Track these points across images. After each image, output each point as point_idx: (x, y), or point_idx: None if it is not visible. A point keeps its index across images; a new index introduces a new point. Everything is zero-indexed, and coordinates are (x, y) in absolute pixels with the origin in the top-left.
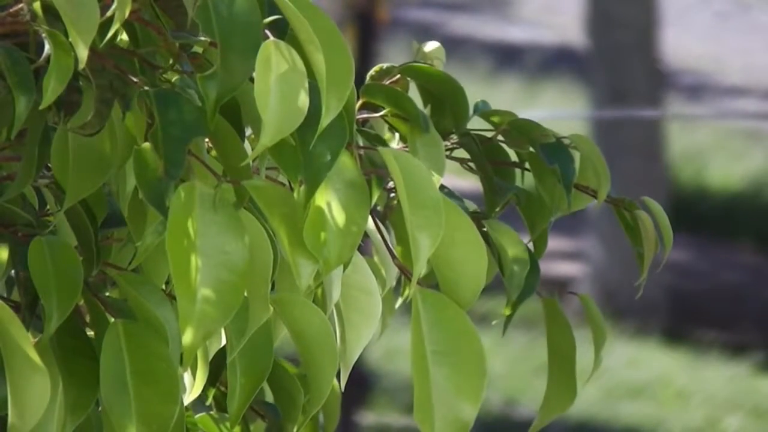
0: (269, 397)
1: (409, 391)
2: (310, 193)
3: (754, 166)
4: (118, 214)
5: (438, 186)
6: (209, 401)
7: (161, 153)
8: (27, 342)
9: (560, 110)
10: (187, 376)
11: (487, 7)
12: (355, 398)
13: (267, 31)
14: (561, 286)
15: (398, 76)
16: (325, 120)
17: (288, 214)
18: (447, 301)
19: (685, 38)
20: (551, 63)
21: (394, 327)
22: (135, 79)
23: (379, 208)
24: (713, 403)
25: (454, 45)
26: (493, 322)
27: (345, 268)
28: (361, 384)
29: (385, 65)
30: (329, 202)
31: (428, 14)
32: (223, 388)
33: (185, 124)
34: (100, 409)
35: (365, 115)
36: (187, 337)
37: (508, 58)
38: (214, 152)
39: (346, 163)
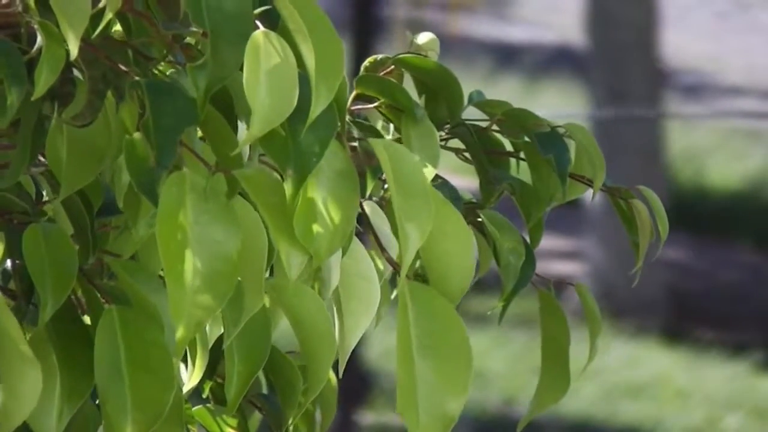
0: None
1: None
2: (300, 183)
3: (754, 165)
4: (114, 202)
5: (432, 176)
6: (206, 394)
7: (153, 143)
8: (18, 332)
9: (560, 110)
10: (183, 368)
11: (486, 6)
12: (354, 398)
13: (258, 22)
14: (560, 286)
15: (392, 67)
16: (315, 110)
17: (278, 204)
18: (434, 294)
19: (685, 38)
20: (551, 63)
21: (393, 326)
22: (126, 70)
23: (374, 199)
24: (713, 402)
25: (453, 45)
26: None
27: (344, 254)
28: (360, 384)
29: (379, 56)
30: (319, 192)
31: (428, 14)
32: (219, 380)
33: (177, 114)
34: (98, 402)
35: (359, 107)
36: (179, 327)
37: (507, 57)
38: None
39: (336, 153)
